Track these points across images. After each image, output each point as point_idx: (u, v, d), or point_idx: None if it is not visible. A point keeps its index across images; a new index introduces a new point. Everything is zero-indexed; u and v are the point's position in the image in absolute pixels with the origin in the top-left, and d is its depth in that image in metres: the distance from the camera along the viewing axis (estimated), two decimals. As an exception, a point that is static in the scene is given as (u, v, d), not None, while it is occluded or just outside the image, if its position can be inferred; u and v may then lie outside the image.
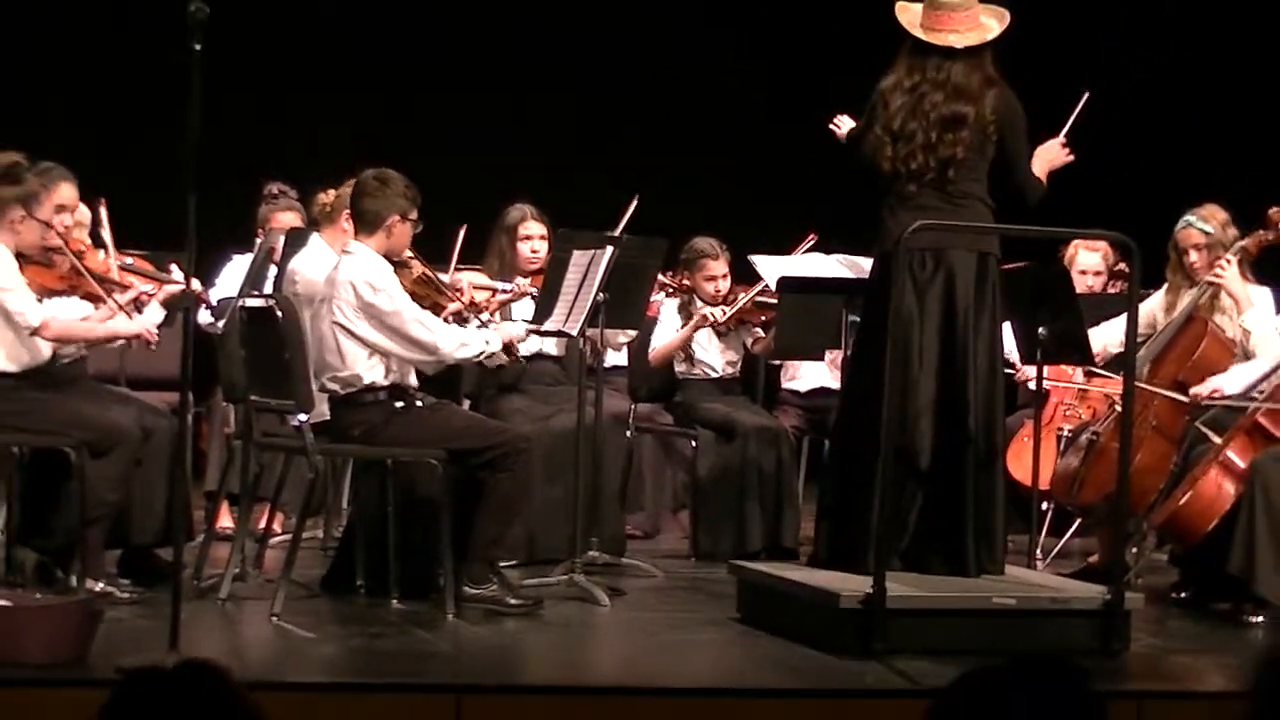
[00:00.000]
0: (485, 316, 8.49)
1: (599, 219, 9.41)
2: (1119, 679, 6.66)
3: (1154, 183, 10.39)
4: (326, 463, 8.20)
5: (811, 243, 9.82)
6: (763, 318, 9.88)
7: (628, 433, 9.61)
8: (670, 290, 9.94)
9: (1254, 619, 7.88)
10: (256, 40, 11.21)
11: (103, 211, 8.29)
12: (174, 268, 8.19)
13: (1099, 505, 8.87)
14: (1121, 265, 9.88)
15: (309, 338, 7.79)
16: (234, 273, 9.62)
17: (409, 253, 8.16)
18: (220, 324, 8.51)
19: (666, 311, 9.95)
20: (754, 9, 13.43)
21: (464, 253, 9.13)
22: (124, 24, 11.90)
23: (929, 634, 6.87)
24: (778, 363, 10.28)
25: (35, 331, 7.56)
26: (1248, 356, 8.71)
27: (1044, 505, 9.20)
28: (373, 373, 7.74)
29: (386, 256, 7.89)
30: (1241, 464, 8.08)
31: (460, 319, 8.33)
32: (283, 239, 9.15)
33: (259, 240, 9.57)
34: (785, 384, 10.35)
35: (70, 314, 7.93)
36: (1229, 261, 8.77)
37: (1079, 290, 9.20)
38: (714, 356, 9.96)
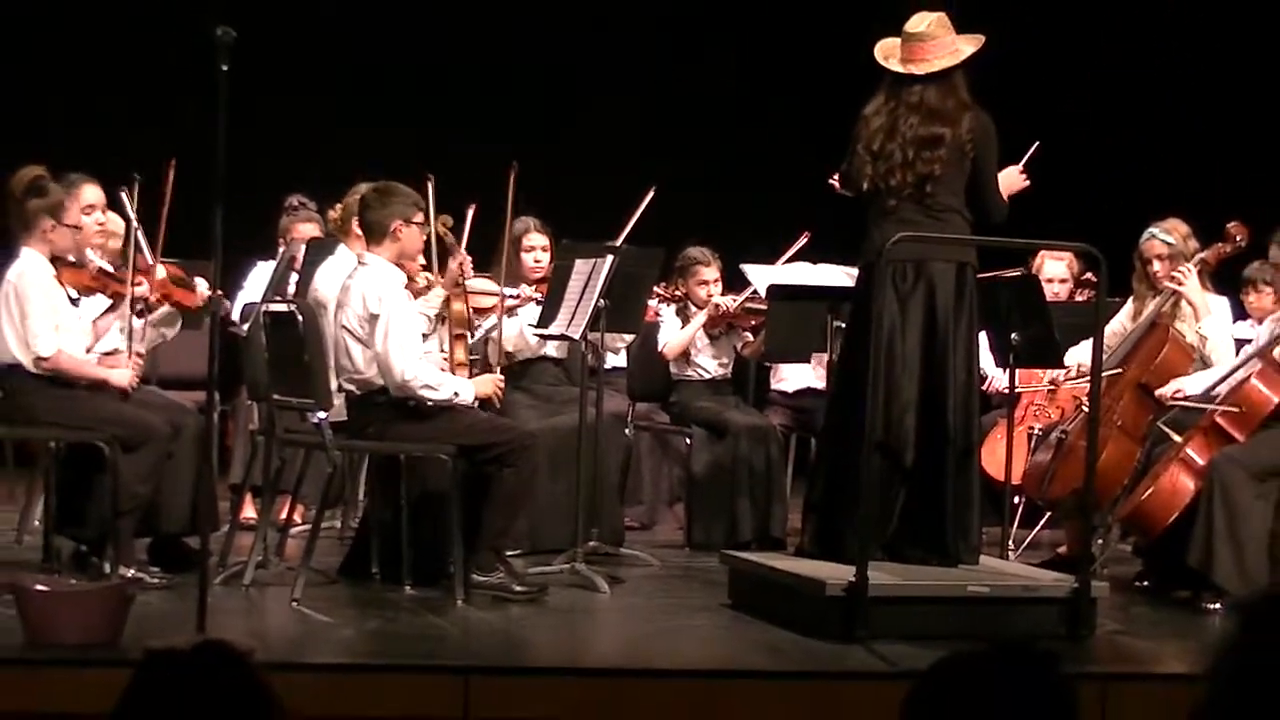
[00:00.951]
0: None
1: (600, 226, 9.43)
2: (1086, 662, 6.66)
3: (1120, 197, 10.38)
4: (344, 458, 8.20)
5: (805, 240, 9.85)
6: (752, 322, 9.89)
7: (626, 430, 9.62)
8: (664, 299, 9.94)
9: (1211, 606, 7.88)
10: (278, 59, 11.20)
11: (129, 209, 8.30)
12: (200, 280, 8.25)
13: (1067, 499, 8.88)
14: (1088, 274, 9.88)
15: (328, 341, 7.80)
16: (258, 279, 9.63)
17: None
18: (245, 327, 8.53)
19: (667, 314, 9.97)
20: (752, 23, 13.42)
21: (473, 234, 9.09)
22: (159, 45, 11.89)
23: (909, 620, 6.87)
24: (767, 365, 10.29)
25: (42, 359, 7.60)
26: (1205, 360, 8.73)
27: (1016, 499, 9.20)
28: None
29: (401, 260, 7.91)
30: (1200, 461, 8.09)
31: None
32: (303, 248, 9.19)
33: (281, 249, 9.58)
34: (774, 385, 10.35)
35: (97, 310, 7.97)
36: (1188, 271, 8.78)
37: (1048, 298, 9.21)
38: (707, 359, 9.97)
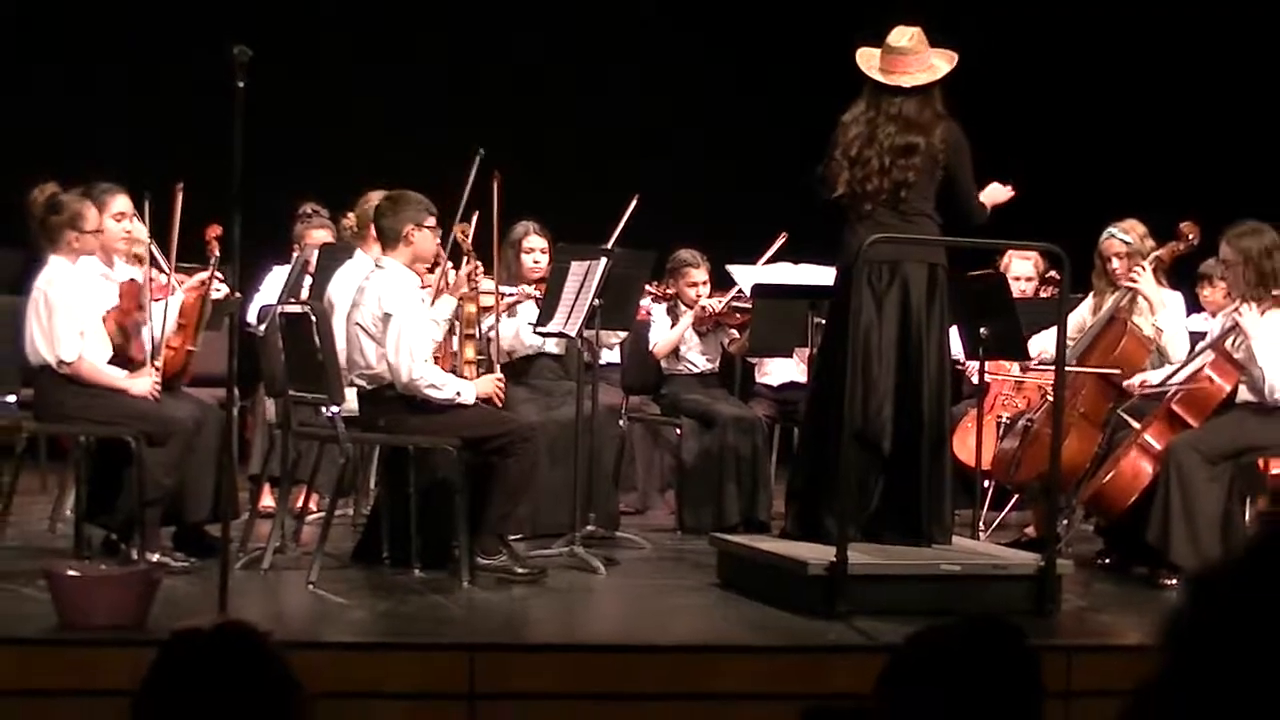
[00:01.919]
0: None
1: (595, 229, 9.42)
2: (1051, 635, 6.67)
3: (1082, 200, 10.38)
4: (356, 449, 8.19)
5: (783, 240, 9.86)
6: (738, 319, 9.90)
7: (620, 422, 9.62)
8: (656, 298, 9.96)
9: (1169, 582, 7.89)
10: (292, 76, 11.19)
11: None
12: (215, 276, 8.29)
13: (1033, 483, 8.89)
14: (1052, 272, 9.88)
15: (340, 340, 7.81)
16: (274, 282, 9.63)
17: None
18: (262, 327, 8.53)
19: (658, 313, 9.98)
20: (735, 37, 13.42)
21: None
22: (178, 60, 11.88)
23: (886, 597, 6.88)
24: (752, 359, 10.29)
25: (65, 362, 7.61)
26: (1161, 351, 8.75)
27: (985, 483, 9.20)
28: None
29: (415, 263, 7.92)
30: (1158, 446, 8.09)
31: None
32: (316, 253, 9.19)
33: (295, 254, 9.58)
34: (759, 378, 10.35)
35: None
36: (1144, 268, 8.79)
37: (1015, 295, 9.21)
38: (695, 354, 9.97)
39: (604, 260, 8.38)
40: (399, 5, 13.22)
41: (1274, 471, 8.48)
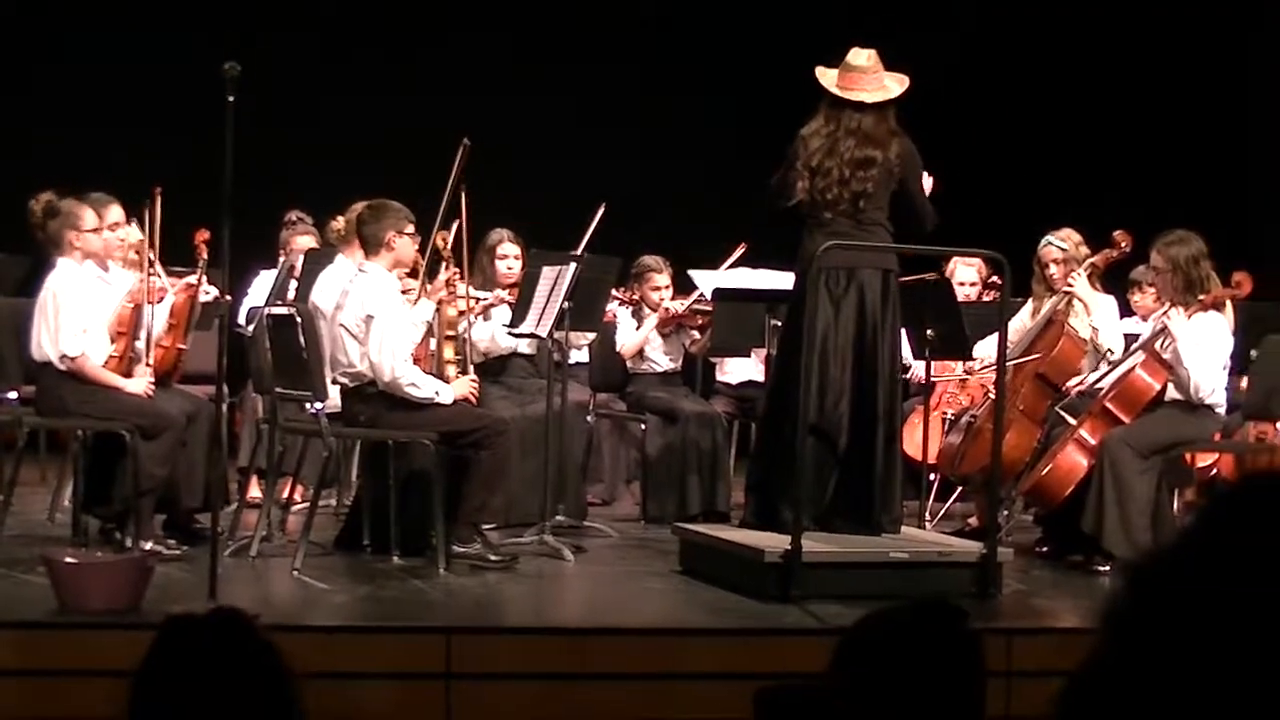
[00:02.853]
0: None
1: (566, 235, 9.42)
2: (993, 618, 6.68)
3: (1022, 210, 10.40)
4: (339, 443, 8.20)
5: (742, 251, 9.87)
6: (699, 322, 9.91)
7: (589, 418, 9.62)
8: (622, 301, 9.96)
9: (1102, 568, 7.92)
10: (277, 85, 11.17)
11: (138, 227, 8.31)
12: (203, 280, 8.30)
13: (976, 476, 8.91)
14: (994, 278, 9.90)
15: (324, 340, 7.79)
16: (261, 285, 9.63)
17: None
18: (250, 328, 8.52)
19: (623, 316, 9.98)
20: (694, 55, 13.43)
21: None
22: (169, 75, 11.85)
23: (838, 582, 6.89)
24: (713, 359, 10.30)
25: (67, 356, 7.60)
26: (1096, 351, 8.78)
27: (931, 476, 9.22)
28: (374, 369, 7.74)
29: (396, 267, 7.93)
30: (1093, 441, 8.12)
31: None
32: (301, 258, 9.21)
33: (282, 259, 9.58)
34: (719, 377, 10.36)
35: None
36: (1080, 274, 8.82)
37: (959, 299, 9.23)
38: (659, 354, 9.98)
39: (573, 266, 8.39)
40: (382, 19, 13.20)
41: (1200, 465, 8.53)
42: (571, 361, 9.23)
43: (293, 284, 9.07)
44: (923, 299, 8.66)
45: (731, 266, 9.91)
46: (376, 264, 7.87)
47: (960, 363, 9.40)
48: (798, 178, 7.56)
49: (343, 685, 5.67)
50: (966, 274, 9.99)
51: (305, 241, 9.62)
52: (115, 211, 8.03)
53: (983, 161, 12.22)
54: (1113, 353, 8.69)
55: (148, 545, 7.45)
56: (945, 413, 9.44)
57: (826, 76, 7.62)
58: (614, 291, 9.56)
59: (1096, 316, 8.82)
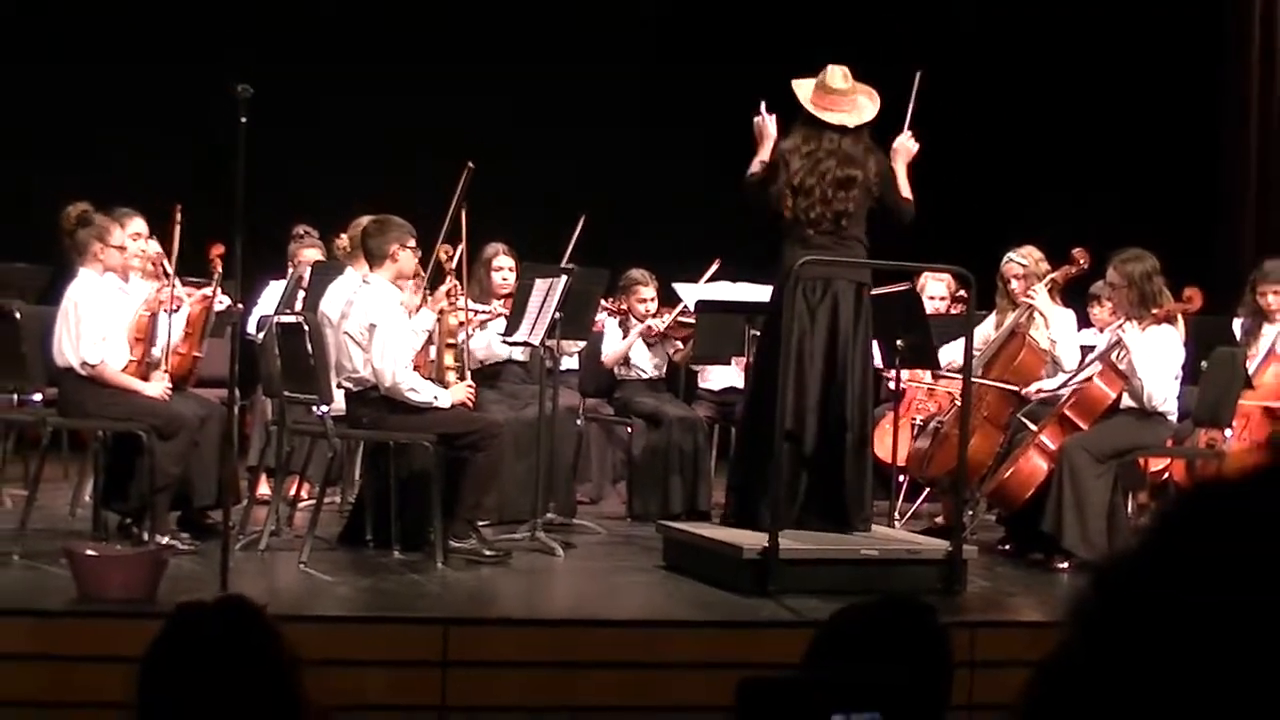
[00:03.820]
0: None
1: (553, 247, 9.42)
2: (958, 613, 6.68)
3: (987, 229, 10.41)
4: (343, 444, 8.19)
5: (717, 267, 9.87)
6: (682, 333, 9.90)
7: (578, 421, 9.61)
8: (610, 312, 9.96)
9: (1061, 566, 7.93)
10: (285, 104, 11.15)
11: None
12: (217, 291, 8.30)
13: (943, 478, 8.93)
14: (961, 292, 9.91)
15: (330, 347, 7.79)
16: (271, 295, 9.63)
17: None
18: (261, 335, 8.52)
19: (610, 327, 9.97)
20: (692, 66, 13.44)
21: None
22: (185, 96, 11.85)
23: (812, 578, 6.88)
24: (695, 367, 10.29)
25: (88, 364, 7.59)
26: (1056, 361, 8.80)
27: (901, 478, 9.23)
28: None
29: (398, 280, 7.92)
30: (1053, 446, 8.12)
31: None
32: (308, 270, 9.21)
33: (290, 270, 9.59)
34: (701, 383, 10.35)
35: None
36: (1039, 289, 8.84)
37: (928, 311, 9.24)
38: (645, 362, 9.97)
39: (564, 278, 8.39)
40: (389, 42, 13.20)
41: (1153, 469, 8.54)
42: (562, 368, 9.22)
43: (300, 294, 9.08)
44: (894, 311, 8.66)
45: (711, 279, 9.92)
46: (379, 276, 7.88)
47: (928, 371, 9.40)
48: (783, 194, 7.51)
49: (346, 672, 5.67)
50: (936, 288, 10.00)
51: (312, 254, 9.63)
52: (138, 223, 8.09)
53: (950, 184, 12.22)
54: (1064, 365, 8.71)
55: (163, 539, 7.44)
56: (914, 418, 9.44)
57: (803, 90, 7.57)
58: (602, 302, 9.57)
59: (1056, 328, 8.85)
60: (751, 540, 7.03)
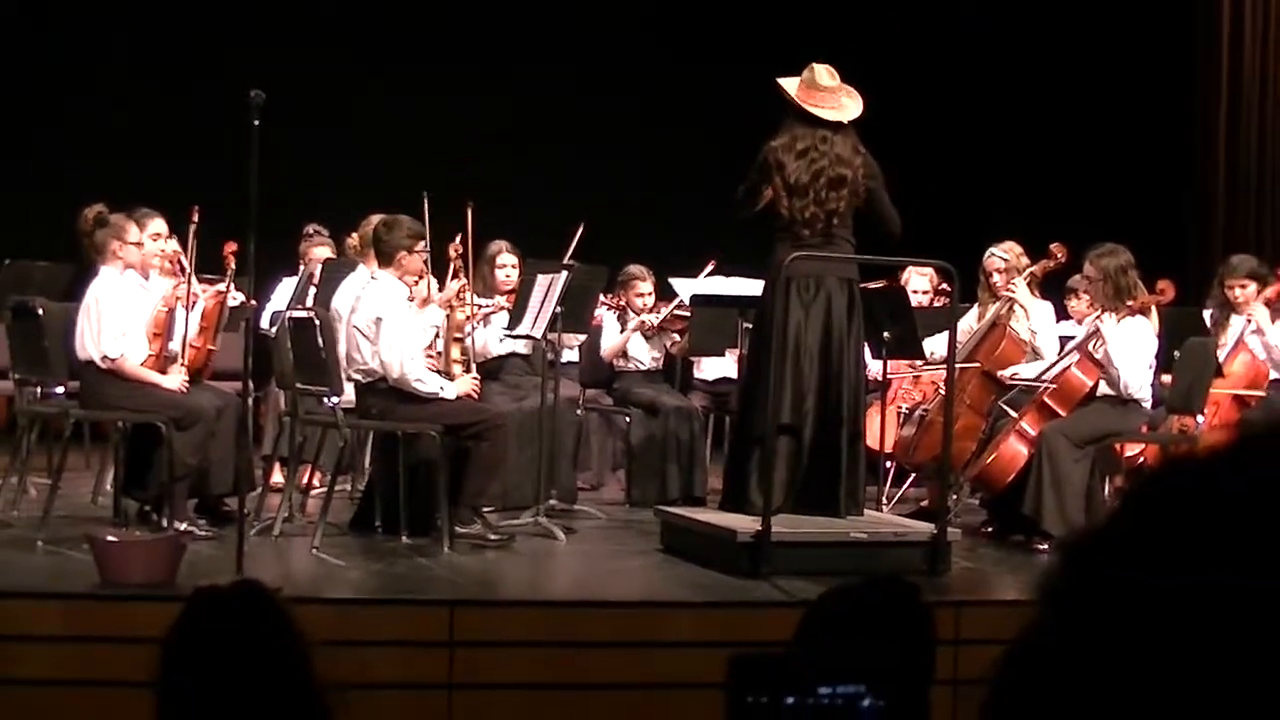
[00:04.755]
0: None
1: (557, 244, 9.41)
2: (943, 592, 6.69)
3: (969, 224, 10.42)
4: (353, 434, 8.19)
5: (712, 267, 9.86)
6: (679, 326, 9.90)
7: (578, 411, 9.59)
8: (609, 306, 9.95)
9: (1041, 547, 7.93)
10: (298, 105, 11.14)
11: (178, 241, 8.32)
12: (231, 287, 8.31)
13: (928, 464, 8.93)
14: (944, 285, 9.91)
15: (340, 340, 7.79)
16: (283, 292, 9.64)
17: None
18: (274, 330, 8.53)
19: (608, 321, 9.97)
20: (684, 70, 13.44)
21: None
22: (199, 100, 11.84)
23: (803, 560, 6.88)
24: (691, 359, 10.29)
25: (108, 358, 7.60)
26: (1036, 352, 8.81)
27: (888, 464, 9.23)
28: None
29: (405, 277, 7.92)
30: (1033, 432, 8.13)
31: None
32: (319, 267, 9.22)
33: (302, 267, 9.60)
34: (697, 374, 10.34)
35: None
36: (1019, 282, 8.86)
37: (913, 304, 9.24)
38: (643, 354, 9.97)
39: (565, 274, 8.39)
40: (397, 42, 13.21)
41: (1129, 454, 8.55)
42: (563, 360, 9.22)
43: (311, 290, 9.08)
44: (880, 303, 8.66)
45: (707, 276, 9.91)
46: (387, 273, 7.88)
47: (914, 361, 9.41)
48: (778, 193, 7.46)
49: (356, 651, 5.67)
50: (919, 282, 10.00)
51: (322, 252, 9.63)
52: (158, 224, 8.08)
53: (933, 180, 12.23)
54: (1044, 355, 8.72)
55: (181, 526, 7.44)
56: (900, 407, 9.44)
57: (790, 87, 7.53)
58: (601, 297, 9.56)
59: (1035, 320, 8.86)
60: (745, 524, 7.03)
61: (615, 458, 10.39)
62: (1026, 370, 8.65)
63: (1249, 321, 8.82)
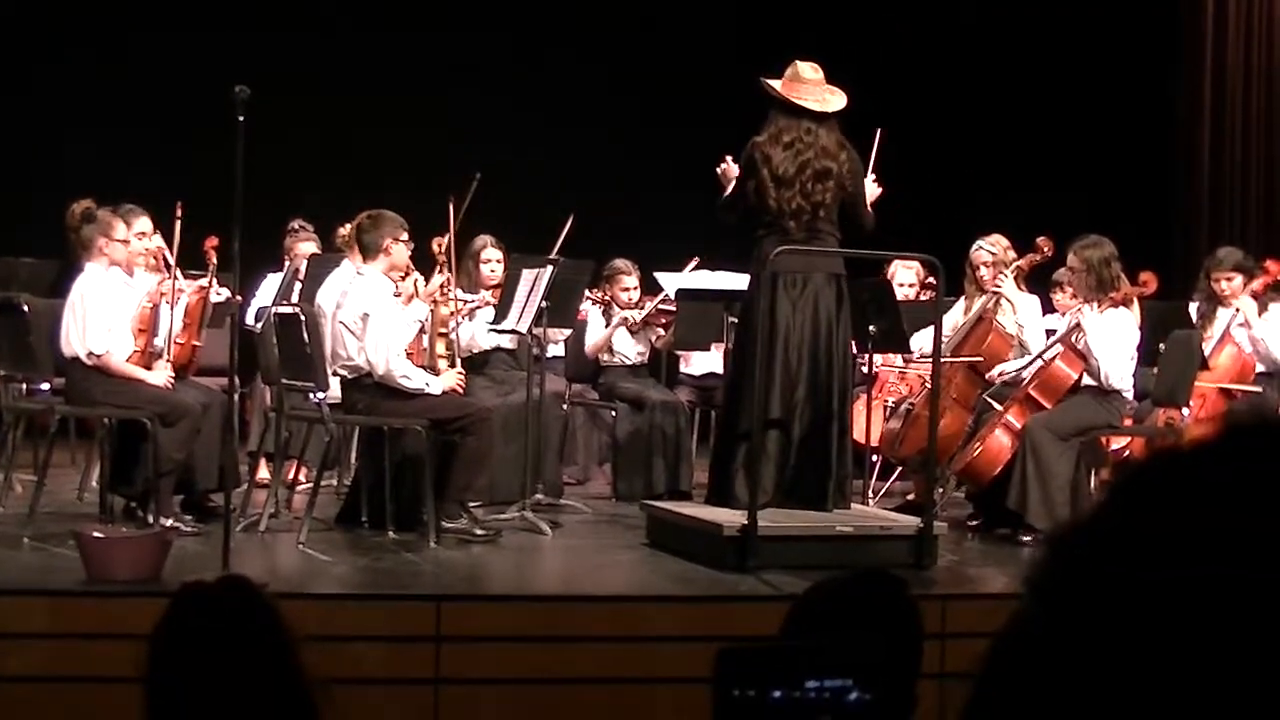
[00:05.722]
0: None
1: (541, 240, 9.40)
2: (929, 586, 6.70)
3: (955, 219, 10.44)
4: (339, 429, 8.19)
5: (695, 264, 9.87)
6: (664, 320, 9.90)
7: (564, 406, 9.61)
8: (594, 301, 9.95)
9: (1026, 540, 7.94)
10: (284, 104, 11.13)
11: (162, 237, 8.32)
12: (214, 282, 8.30)
13: (914, 457, 8.93)
14: (930, 279, 9.92)
15: (326, 336, 7.79)
16: (268, 288, 9.63)
17: None
18: (259, 326, 8.52)
19: (593, 316, 9.97)
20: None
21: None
22: (187, 97, 11.81)
23: (789, 554, 6.88)
24: (676, 353, 10.30)
25: (94, 354, 7.59)
26: (1022, 345, 8.82)
27: (874, 457, 9.24)
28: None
29: (390, 272, 7.92)
30: (1018, 425, 8.15)
31: None
32: (304, 263, 9.21)
33: (286, 263, 9.59)
34: (682, 369, 10.36)
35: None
36: (1005, 276, 8.87)
37: (899, 298, 9.24)
38: (629, 349, 9.97)
39: (550, 268, 8.38)
40: (380, 48, 13.20)
41: (1114, 447, 8.57)
42: (549, 355, 9.23)
43: (297, 286, 9.07)
44: (866, 297, 8.67)
45: (691, 272, 9.92)
46: (373, 267, 7.88)
47: (900, 355, 9.42)
48: (765, 185, 7.46)
49: (342, 647, 5.67)
50: (906, 276, 10.01)
51: (307, 247, 9.62)
52: (144, 221, 8.07)
53: (919, 173, 12.24)
54: (1030, 348, 8.74)
55: (167, 522, 7.43)
56: (886, 400, 9.45)
57: (775, 83, 7.55)
58: (586, 292, 9.56)
59: (1021, 313, 8.87)
60: (731, 518, 7.04)
61: (601, 452, 10.40)
62: (1012, 366, 8.65)
63: (1236, 314, 8.83)
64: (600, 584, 7.00)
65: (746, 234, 7.64)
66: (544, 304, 8.31)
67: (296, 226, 9.86)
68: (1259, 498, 0.97)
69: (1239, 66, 12.92)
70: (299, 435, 8.44)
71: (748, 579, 6.66)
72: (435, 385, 7.83)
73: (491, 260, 9.41)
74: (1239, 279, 8.90)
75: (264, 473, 8.93)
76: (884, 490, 9.46)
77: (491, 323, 8.84)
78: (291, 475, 8.64)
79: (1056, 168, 13.14)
